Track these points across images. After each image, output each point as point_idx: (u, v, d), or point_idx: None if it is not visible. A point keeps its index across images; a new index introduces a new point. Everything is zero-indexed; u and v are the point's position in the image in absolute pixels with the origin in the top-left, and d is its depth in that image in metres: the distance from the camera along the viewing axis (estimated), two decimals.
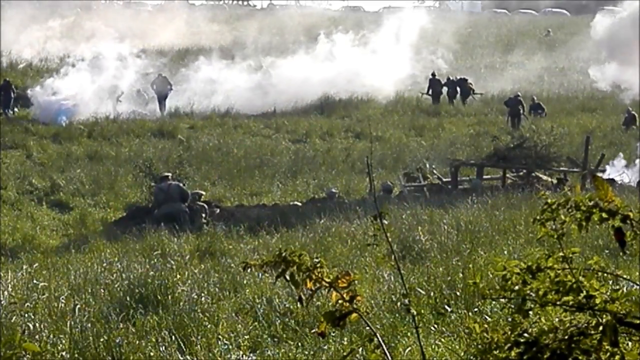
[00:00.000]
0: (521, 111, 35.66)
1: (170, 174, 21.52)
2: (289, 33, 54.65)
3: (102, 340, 8.82)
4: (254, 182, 26.23)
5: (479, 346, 4.14)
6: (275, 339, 9.06)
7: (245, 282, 11.44)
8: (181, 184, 21.08)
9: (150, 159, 25.55)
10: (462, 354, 7.50)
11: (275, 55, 45.50)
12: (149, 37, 45.71)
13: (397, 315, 9.12)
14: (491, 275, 8.88)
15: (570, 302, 3.97)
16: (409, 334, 8.36)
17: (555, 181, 24.06)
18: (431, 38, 46.92)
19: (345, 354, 7.34)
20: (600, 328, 3.78)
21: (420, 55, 44.72)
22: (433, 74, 40.74)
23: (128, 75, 37.79)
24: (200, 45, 50.07)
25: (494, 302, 8.23)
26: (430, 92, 40.34)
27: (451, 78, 41.13)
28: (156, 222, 18.76)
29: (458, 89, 40.51)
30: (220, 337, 9.01)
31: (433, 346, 8.01)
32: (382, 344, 4.24)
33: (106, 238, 18.13)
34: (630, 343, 3.94)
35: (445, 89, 40.60)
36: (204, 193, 22.15)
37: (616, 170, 24.84)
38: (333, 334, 8.30)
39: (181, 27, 52.82)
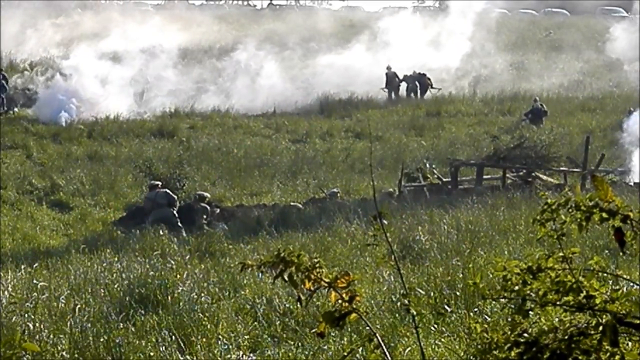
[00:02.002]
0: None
1: (159, 183, 21.52)
2: (324, 31, 54.67)
3: (102, 340, 8.82)
4: (254, 182, 26.22)
5: (479, 346, 4.14)
6: (275, 339, 9.06)
7: (245, 282, 11.44)
8: (168, 191, 21.13)
9: (150, 159, 25.55)
10: (462, 354, 7.50)
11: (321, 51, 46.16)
12: (169, 36, 45.82)
13: (397, 315, 9.12)
14: (491, 275, 8.88)
15: (570, 302, 3.97)
16: (408, 334, 8.36)
17: (555, 181, 24.07)
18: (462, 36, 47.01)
19: (345, 354, 7.33)
20: (600, 328, 3.78)
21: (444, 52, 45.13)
22: (388, 68, 40.78)
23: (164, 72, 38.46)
24: (234, 44, 50.05)
25: (494, 302, 8.23)
26: (387, 86, 40.68)
27: (409, 74, 41.24)
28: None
29: (417, 83, 40.86)
30: (220, 337, 9.01)
31: (433, 346, 8.01)
32: (382, 344, 4.23)
33: (106, 238, 18.15)
34: (630, 343, 3.94)
35: (403, 84, 40.94)
36: (208, 195, 22.15)
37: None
38: (333, 334, 8.30)
39: (193, 26, 52.63)
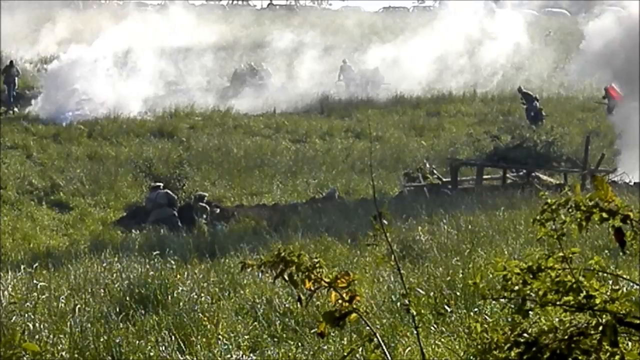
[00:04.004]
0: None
1: (160, 184, 21.54)
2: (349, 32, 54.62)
3: (102, 340, 8.82)
4: (254, 182, 26.22)
5: (479, 346, 4.13)
6: (275, 339, 9.06)
7: (245, 282, 11.44)
8: (169, 191, 21.18)
9: (150, 159, 25.54)
10: (462, 354, 7.50)
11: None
12: (194, 35, 45.99)
13: (397, 315, 9.12)
14: (491, 276, 8.87)
15: (570, 302, 3.97)
16: (409, 334, 8.36)
17: (555, 181, 24.08)
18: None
19: (345, 354, 7.33)
20: (600, 328, 3.78)
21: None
22: (344, 61, 43.23)
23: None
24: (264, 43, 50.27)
25: (494, 302, 8.22)
26: (341, 78, 42.77)
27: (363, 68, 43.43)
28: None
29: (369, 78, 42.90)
30: (220, 337, 9.01)
31: (433, 346, 8.00)
32: (382, 344, 4.23)
33: (106, 238, 18.15)
34: (630, 343, 3.93)
35: (357, 77, 42.96)
36: (206, 195, 22.17)
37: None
38: (333, 334, 8.30)
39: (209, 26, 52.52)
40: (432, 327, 8.67)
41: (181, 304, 10.18)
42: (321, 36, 49.06)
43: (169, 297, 10.49)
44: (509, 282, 4.07)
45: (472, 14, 46.01)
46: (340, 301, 4.18)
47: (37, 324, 9.41)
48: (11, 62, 37.09)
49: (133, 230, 19.08)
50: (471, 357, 6.99)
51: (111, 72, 36.26)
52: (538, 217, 4.09)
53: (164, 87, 38.56)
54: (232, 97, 38.52)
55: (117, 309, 10.15)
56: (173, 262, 13.09)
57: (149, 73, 37.95)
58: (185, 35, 47.50)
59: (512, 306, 4.13)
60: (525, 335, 3.93)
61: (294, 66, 43.51)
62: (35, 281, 12.04)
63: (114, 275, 12.19)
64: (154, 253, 14.49)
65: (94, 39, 39.76)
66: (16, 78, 36.34)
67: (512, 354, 3.90)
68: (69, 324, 9.39)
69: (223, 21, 58.81)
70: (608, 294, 3.95)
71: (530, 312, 4.04)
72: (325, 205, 21.35)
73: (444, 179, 24.39)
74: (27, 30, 46.93)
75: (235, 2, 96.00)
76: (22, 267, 13.96)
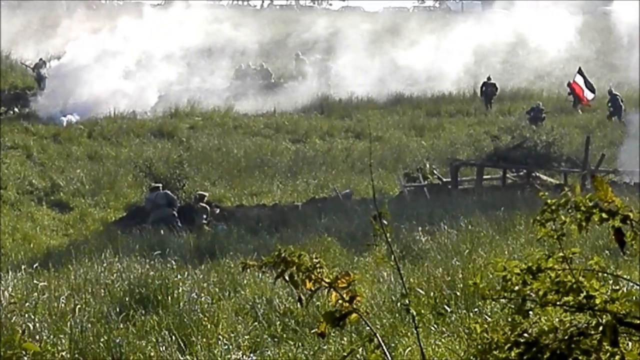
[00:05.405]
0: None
1: (160, 185, 21.54)
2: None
3: (102, 340, 8.82)
4: (254, 182, 26.22)
5: (479, 346, 4.13)
6: (275, 339, 9.06)
7: (245, 282, 11.45)
8: (168, 192, 21.20)
9: (150, 159, 25.54)
10: (462, 354, 7.50)
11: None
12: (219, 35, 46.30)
13: (397, 315, 9.12)
14: (491, 276, 8.88)
15: (570, 303, 3.97)
16: (409, 334, 8.36)
17: (555, 181, 24.08)
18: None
19: (345, 354, 7.34)
20: (600, 328, 3.78)
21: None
22: (297, 54, 46.30)
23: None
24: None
25: (494, 302, 8.22)
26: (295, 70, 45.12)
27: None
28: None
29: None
30: (220, 337, 9.01)
31: (433, 346, 8.01)
32: (382, 344, 4.24)
33: (106, 238, 18.15)
34: (630, 343, 3.94)
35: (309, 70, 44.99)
36: (207, 195, 22.17)
37: None
38: (333, 334, 8.30)
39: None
40: (432, 327, 8.66)
41: (181, 304, 10.18)
42: (324, 37, 49.23)
43: (169, 297, 10.49)
44: (509, 283, 4.07)
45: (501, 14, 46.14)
46: (340, 301, 4.18)
47: (37, 324, 9.41)
48: (41, 59, 38.08)
49: (133, 231, 19.09)
50: (471, 357, 6.98)
51: (113, 72, 36.23)
52: (538, 218, 4.09)
53: (165, 87, 38.53)
54: (232, 97, 38.50)
55: (117, 309, 10.15)
56: (173, 262, 13.09)
57: (150, 73, 37.93)
58: (186, 35, 47.51)
59: (512, 306, 4.13)
60: (525, 335, 3.93)
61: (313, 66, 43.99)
62: (35, 281, 12.05)
63: (114, 275, 12.19)
64: (154, 253, 14.50)
65: (95, 40, 39.69)
66: (46, 76, 36.91)
67: (512, 354, 3.90)
68: (69, 324, 9.39)
69: (223, 21, 58.78)
70: (608, 294, 3.95)
71: (530, 313, 4.04)
72: (325, 205, 21.37)
73: (444, 179, 24.39)
74: (28, 31, 46.92)
75: (235, 2, 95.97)
76: (22, 267, 13.96)
